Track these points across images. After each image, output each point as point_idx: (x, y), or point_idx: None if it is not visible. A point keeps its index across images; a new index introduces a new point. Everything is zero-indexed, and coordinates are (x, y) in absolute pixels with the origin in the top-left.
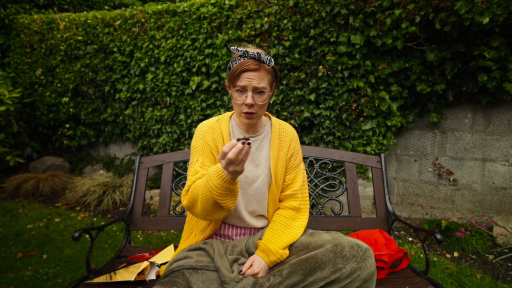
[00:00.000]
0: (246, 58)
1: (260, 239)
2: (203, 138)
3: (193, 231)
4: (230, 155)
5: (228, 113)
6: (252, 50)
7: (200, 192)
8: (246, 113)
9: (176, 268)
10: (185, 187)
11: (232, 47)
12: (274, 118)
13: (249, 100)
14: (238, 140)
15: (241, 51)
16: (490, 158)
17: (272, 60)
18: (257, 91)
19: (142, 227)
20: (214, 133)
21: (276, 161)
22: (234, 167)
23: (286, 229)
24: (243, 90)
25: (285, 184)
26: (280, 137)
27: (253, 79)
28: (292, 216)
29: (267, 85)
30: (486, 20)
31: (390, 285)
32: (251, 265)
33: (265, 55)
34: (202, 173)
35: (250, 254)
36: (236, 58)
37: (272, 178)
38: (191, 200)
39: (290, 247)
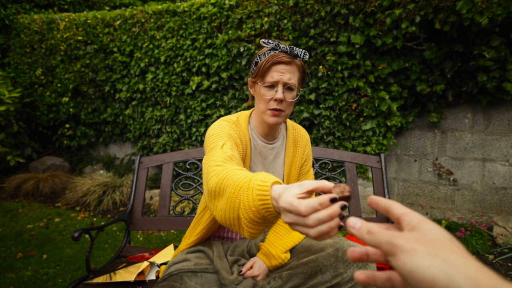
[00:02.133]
0: (277, 51)
1: (263, 240)
2: (230, 130)
3: (191, 236)
4: (322, 215)
5: (245, 114)
6: (283, 44)
7: (232, 191)
8: (274, 109)
9: (174, 271)
10: (213, 163)
11: (262, 40)
12: (288, 121)
13: (279, 95)
14: (334, 200)
15: (272, 43)
16: (490, 158)
17: (307, 53)
18: (287, 86)
19: (142, 227)
20: (240, 132)
21: (289, 168)
22: (304, 228)
23: (290, 232)
24: (273, 85)
25: None
26: (295, 142)
27: (285, 73)
28: None
29: (297, 82)
30: (485, 22)
31: None
32: (251, 267)
33: (298, 48)
34: (233, 154)
35: (252, 255)
36: (265, 52)
37: None
38: (219, 185)
39: (292, 249)
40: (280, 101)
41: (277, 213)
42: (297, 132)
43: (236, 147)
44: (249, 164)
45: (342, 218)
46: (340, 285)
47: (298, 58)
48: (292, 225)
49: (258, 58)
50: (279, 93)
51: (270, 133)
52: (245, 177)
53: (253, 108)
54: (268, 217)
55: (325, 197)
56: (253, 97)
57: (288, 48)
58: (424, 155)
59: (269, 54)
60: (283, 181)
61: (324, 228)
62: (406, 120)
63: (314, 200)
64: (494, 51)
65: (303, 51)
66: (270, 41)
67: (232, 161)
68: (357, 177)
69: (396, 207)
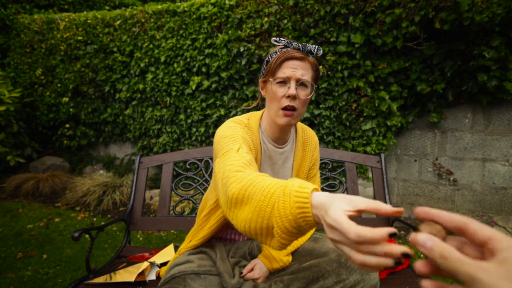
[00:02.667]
0: (289, 48)
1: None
2: (241, 133)
3: (193, 239)
4: (378, 250)
5: (256, 115)
6: (295, 42)
7: (261, 199)
8: (287, 108)
9: (177, 273)
10: (233, 168)
11: (273, 38)
12: (298, 123)
13: (292, 91)
14: (393, 235)
15: (284, 40)
16: (490, 158)
17: (321, 49)
18: (300, 83)
19: (142, 227)
20: (252, 135)
21: (297, 172)
22: (350, 250)
23: None
24: (285, 81)
25: None
26: (304, 146)
27: (297, 69)
28: None
29: (310, 79)
30: (484, 19)
31: (390, 285)
32: (252, 269)
33: (311, 44)
34: (251, 159)
35: (253, 256)
36: (277, 50)
37: None
38: (242, 192)
39: (293, 252)
40: (293, 97)
41: (315, 223)
42: (307, 135)
43: (250, 152)
44: (259, 169)
45: (399, 263)
46: None
47: (311, 55)
48: (335, 242)
49: (270, 57)
50: (291, 89)
51: (281, 137)
52: (277, 183)
53: (263, 110)
54: (304, 227)
55: (384, 232)
56: (263, 99)
57: (300, 45)
58: (424, 155)
59: (281, 51)
60: None
61: (374, 261)
62: (406, 120)
63: (368, 232)
64: (494, 51)
65: (317, 46)
66: (282, 39)
67: (252, 167)
68: (357, 177)
69: (479, 228)
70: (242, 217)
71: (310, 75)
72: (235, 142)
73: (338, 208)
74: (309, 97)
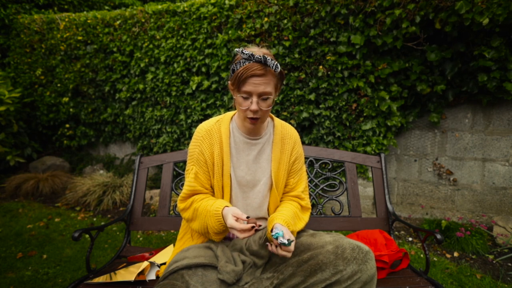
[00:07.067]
0: (251, 62)
1: (261, 237)
2: (200, 146)
3: (192, 232)
4: (237, 230)
5: (230, 114)
6: (257, 52)
7: (201, 218)
8: (251, 118)
9: (175, 268)
10: (182, 194)
11: (237, 49)
12: (277, 120)
13: (254, 106)
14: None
15: (246, 54)
16: (490, 158)
17: (279, 65)
18: (262, 97)
19: (142, 227)
20: (212, 138)
21: (277, 164)
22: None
23: (297, 218)
24: (248, 96)
25: (288, 187)
26: (282, 140)
27: (259, 84)
28: (299, 208)
29: (273, 89)
30: (485, 21)
31: (390, 285)
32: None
33: (272, 59)
34: (197, 189)
35: (251, 252)
36: (241, 61)
37: (273, 182)
38: (191, 216)
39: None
40: (255, 111)
41: (227, 228)
42: (285, 130)
43: (204, 165)
44: (230, 159)
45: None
46: (340, 282)
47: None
48: (231, 229)
49: (235, 66)
50: (253, 104)
51: (253, 132)
52: (205, 208)
53: None
54: (223, 228)
55: (248, 226)
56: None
57: (262, 58)
58: (424, 155)
59: (244, 65)
60: (271, 177)
61: (244, 235)
62: (406, 120)
63: (242, 226)
64: (495, 51)
65: (275, 63)
66: (244, 51)
67: (195, 194)
68: (357, 177)
69: None
70: (195, 226)
71: (272, 85)
72: (191, 161)
73: (230, 217)
74: (271, 106)
